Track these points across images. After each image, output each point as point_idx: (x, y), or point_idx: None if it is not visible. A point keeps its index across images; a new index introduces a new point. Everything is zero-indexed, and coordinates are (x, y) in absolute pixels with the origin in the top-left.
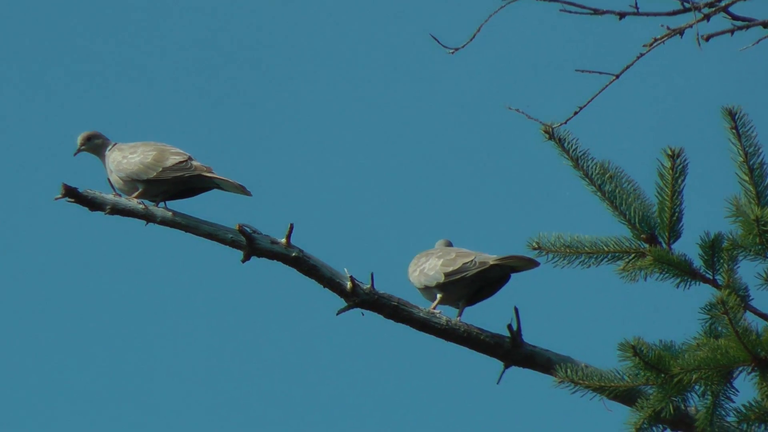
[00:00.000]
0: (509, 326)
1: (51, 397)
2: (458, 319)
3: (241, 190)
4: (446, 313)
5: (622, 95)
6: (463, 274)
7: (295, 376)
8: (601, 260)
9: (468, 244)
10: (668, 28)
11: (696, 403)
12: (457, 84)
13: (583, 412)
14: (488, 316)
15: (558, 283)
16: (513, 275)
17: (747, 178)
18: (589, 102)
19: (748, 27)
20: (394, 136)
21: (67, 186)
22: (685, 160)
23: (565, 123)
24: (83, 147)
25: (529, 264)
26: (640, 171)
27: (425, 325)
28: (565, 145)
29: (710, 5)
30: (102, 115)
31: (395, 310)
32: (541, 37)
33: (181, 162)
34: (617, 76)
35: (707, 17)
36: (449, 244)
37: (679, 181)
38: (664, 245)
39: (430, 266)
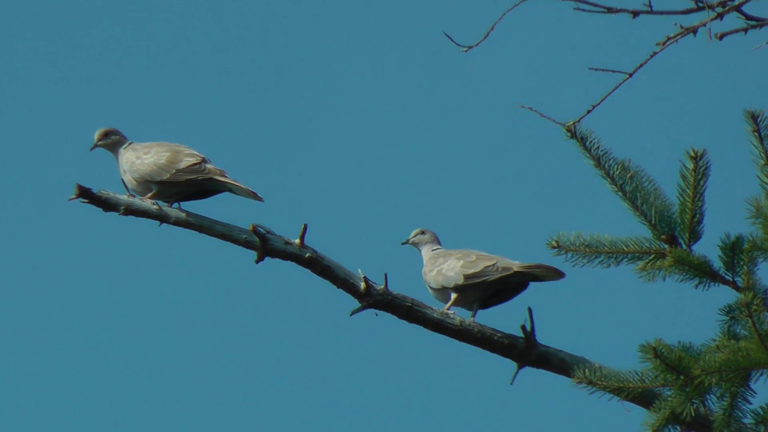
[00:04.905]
0: (523, 327)
1: (63, 399)
2: (472, 320)
3: (253, 195)
4: (459, 314)
5: (635, 94)
6: (484, 278)
7: (308, 376)
8: (621, 260)
9: (483, 245)
10: (681, 27)
11: (713, 404)
12: (470, 82)
13: (598, 413)
14: (502, 317)
15: (572, 284)
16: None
17: None
18: (602, 101)
19: (761, 26)
20: (407, 135)
21: (81, 187)
22: (707, 162)
23: (578, 122)
24: (100, 143)
25: (554, 275)
26: (653, 170)
27: (439, 325)
28: (587, 143)
29: (723, 4)
30: (118, 115)
31: (409, 311)
32: (555, 36)
33: (194, 164)
34: (630, 75)
35: (720, 16)
36: (434, 237)
37: (701, 182)
38: (684, 246)
39: (448, 267)
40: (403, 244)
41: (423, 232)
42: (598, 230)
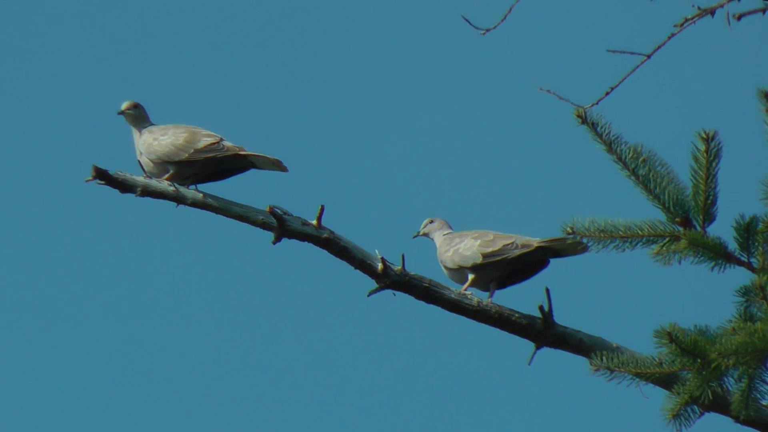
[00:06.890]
0: (540, 307)
1: (79, 372)
2: (489, 300)
3: (278, 165)
4: (476, 296)
5: (653, 76)
6: (503, 256)
7: (326, 357)
8: (636, 244)
9: (498, 228)
10: (699, 8)
11: (730, 386)
12: (488, 65)
13: (615, 393)
14: (519, 297)
15: (590, 264)
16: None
17: None
18: (620, 82)
19: None
20: (425, 117)
21: (98, 168)
22: (719, 143)
23: (596, 104)
24: (128, 111)
25: (576, 248)
26: (672, 151)
27: (456, 306)
28: (598, 129)
29: None
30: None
31: (426, 291)
32: (573, 18)
33: (212, 143)
34: (648, 56)
35: None
36: (444, 223)
37: (714, 164)
38: (698, 228)
39: (465, 246)
40: (414, 237)
41: (432, 221)
42: (614, 213)
